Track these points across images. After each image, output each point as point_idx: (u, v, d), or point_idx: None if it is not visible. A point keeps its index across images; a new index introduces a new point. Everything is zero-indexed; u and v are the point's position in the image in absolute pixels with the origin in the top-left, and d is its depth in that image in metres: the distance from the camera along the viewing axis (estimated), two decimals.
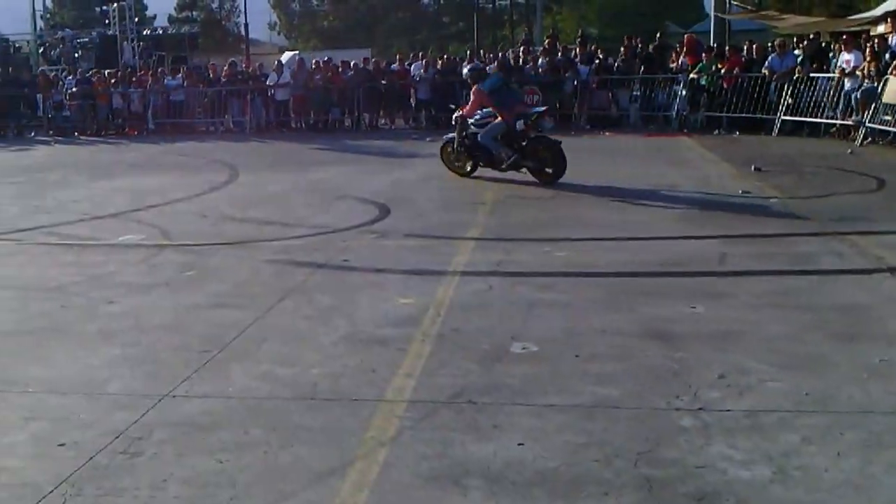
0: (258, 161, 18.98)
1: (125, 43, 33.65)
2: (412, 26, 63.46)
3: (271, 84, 26.61)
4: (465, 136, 14.93)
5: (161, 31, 40.04)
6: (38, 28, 36.96)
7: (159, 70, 28.89)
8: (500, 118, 14.26)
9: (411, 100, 26.59)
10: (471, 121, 14.79)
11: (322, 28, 66.99)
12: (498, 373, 5.80)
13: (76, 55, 33.38)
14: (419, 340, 6.47)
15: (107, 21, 35.63)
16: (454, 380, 5.67)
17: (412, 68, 26.92)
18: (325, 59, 27.93)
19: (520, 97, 16.31)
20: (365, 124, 26.23)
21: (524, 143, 14.26)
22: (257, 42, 50.19)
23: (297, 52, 39.65)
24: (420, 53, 29.32)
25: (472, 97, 14.87)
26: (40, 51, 34.73)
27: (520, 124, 14.28)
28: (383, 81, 26.52)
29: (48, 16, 47.38)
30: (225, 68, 28.24)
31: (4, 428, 5.13)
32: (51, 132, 27.66)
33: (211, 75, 28.22)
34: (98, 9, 38.15)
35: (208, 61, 31.37)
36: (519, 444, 4.73)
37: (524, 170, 14.40)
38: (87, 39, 34.24)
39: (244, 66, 28.88)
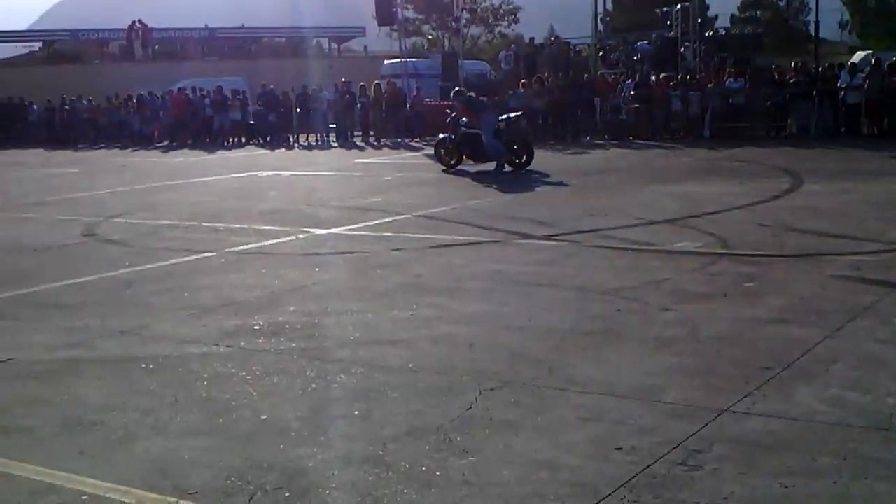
0: (824, 168, 18.43)
1: (685, 45, 34.19)
2: None
3: (842, 86, 25.79)
4: (455, 135, 20.01)
5: (723, 32, 40.20)
6: (598, 31, 38.62)
7: (722, 72, 29.04)
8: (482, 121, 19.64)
9: None
10: (462, 121, 19.90)
11: None
12: None
13: (635, 58, 34.45)
14: None
15: (668, 23, 36.40)
16: None
17: None
18: None
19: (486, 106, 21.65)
20: None
21: (506, 140, 19.44)
22: (826, 41, 48.88)
23: (870, 51, 38.09)
24: None
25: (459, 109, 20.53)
26: (599, 54, 36.24)
27: (502, 124, 19.58)
28: None
29: (608, 19, 49.42)
30: (791, 69, 27.82)
31: (564, 426, 5.40)
32: (606, 136, 28.89)
33: (775, 77, 27.92)
34: (659, 11, 39.02)
35: (772, 62, 30.98)
36: None
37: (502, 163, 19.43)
38: (646, 42, 35.21)
39: (812, 66, 28.24)
